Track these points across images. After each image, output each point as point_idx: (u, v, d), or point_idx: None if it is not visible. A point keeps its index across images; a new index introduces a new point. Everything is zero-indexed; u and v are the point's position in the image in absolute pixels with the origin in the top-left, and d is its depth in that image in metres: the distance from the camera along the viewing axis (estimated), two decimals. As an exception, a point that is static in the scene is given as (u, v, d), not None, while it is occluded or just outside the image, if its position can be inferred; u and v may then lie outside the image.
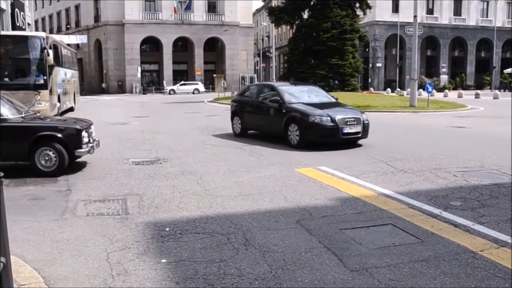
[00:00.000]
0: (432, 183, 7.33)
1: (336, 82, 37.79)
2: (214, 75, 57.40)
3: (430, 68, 62.49)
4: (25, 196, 6.81)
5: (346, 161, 9.35)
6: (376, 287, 3.79)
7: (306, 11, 38.65)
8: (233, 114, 14.10)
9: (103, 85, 58.49)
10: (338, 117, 10.86)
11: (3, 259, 2.98)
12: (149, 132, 14.65)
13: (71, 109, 23.20)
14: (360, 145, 11.26)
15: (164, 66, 57.99)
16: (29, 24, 33.43)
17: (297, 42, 38.14)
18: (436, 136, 13.26)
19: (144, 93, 54.02)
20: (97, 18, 59.79)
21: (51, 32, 59.61)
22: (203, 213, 5.86)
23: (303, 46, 37.22)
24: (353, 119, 11.03)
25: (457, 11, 62.41)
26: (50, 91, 17.18)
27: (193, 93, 51.04)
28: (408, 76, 44.25)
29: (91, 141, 8.77)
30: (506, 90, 52.14)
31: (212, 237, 4.95)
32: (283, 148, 11.03)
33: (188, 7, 57.25)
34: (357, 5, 38.08)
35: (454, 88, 55.21)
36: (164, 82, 56.65)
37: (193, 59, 58.60)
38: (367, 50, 58.73)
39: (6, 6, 26.97)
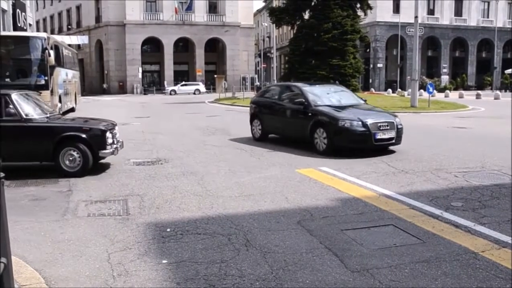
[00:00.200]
0: (433, 183, 7.33)
1: (337, 82, 37.71)
2: (215, 76, 57.38)
3: (431, 69, 62.48)
4: (26, 196, 6.82)
5: (346, 161, 9.34)
6: (377, 288, 3.78)
7: (307, 12, 38.59)
8: (253, 116, 13.08)
9: (104, 85, 58.58)
10: (369, 121, 9.97)
11: (4, 260, 2.97)
12: (150, 133, 14.66)
13: (72, 110, 23.19)
14: (393, 151, 10.35)
15: (165, 66, 58.03)
16: (30, 25, 33.52)
17: (298, 43, 38.07)
18: (437, 137, 13.24)
19: (145, 94, 54.05)
20: (98, 18, 59.90)
21: (52, 32, 59.64)
22: (204, 213, 5.86)
23: (304, 46, 37.15)
24: (386, 124, 10.11)
25: (458, 12, 62.40)
26: (51, 91, 17.17)
27: (194, 93, 51.06)
28: (409, 77, 44.15)
29: (115, 142, 8.74)
30: (507, 91, 52.03)
31: (213, 238, 4.95)
32: (309, 154, 10.11)
33: (189, 8, 57.28)
34: (358, 5, 37.99)
35: (455, 89, 55.16)
36: (165, 82, 56.70)
37: (194, 59, 58.63)
38: (368, 50, 58.65)
39: (7, 6, 27.04)
